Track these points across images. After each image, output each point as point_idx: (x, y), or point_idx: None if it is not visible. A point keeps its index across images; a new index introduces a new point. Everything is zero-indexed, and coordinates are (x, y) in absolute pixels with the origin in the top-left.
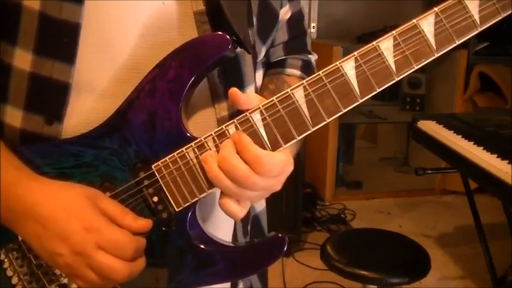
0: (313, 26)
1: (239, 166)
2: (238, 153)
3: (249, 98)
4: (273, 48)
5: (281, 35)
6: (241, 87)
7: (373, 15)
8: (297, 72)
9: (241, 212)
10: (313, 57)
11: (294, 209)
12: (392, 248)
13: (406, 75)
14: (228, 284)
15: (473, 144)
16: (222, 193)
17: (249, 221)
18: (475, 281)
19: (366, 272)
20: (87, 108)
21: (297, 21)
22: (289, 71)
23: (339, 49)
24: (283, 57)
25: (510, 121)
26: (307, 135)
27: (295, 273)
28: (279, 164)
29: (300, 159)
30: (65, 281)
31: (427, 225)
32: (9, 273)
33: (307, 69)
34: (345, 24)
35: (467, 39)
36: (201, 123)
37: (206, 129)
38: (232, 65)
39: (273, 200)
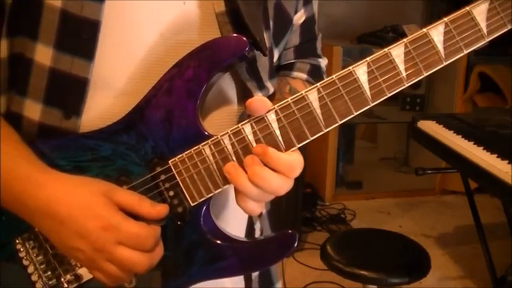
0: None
1: (273, 179)
2: (267, 164)
3: (263, 102)
4: (285, 51)
5: (293, 38)
6: (258, 89)
7: (373, 15)
8: (303, 76)
9: (260, 209)
10: (324, 62)
11: (294, 209)
12: (392, 248)
13: None
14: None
15: (473, 144)
16: (241, 194)
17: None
18: (475, 281)
19: (366, 272)
20: (105, 104)
21: (309, 26)
22: (295, 74)
23: (339, 49)
24: (293, 61)
25: (510, 121)
26: None
27: (295, 273)
28: (302, 163)
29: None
30: (80, 271)
31: (427, 225)
32: (26, 262)
33: (314, 73)
34: (345, 24)
35: None
36: (224, 119)
37: (230, 125)
38: (252, 67)
39: (273, 200)
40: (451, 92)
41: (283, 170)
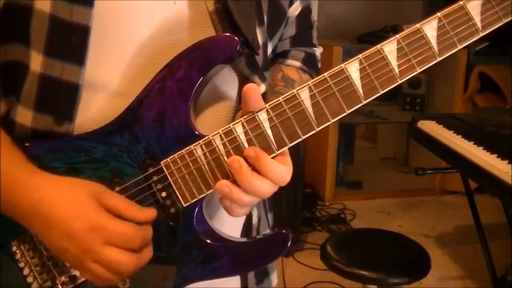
0: (314, 22)
1: (264, 187)
2: (259, 171)
3: (260, 98)
4: (280, 42)
5: (290, 29)
6: (261, 82)
7: (373, 15)
8: (297, 64)
9: (248, 210)
10: (318, 50)
11: (294, 209)
12: (392, 248)
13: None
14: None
15: (473, 144)
16: (231, 204)
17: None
18: (475, 281)
19: (366, 272)
20: (97, 107)
21: (305, 16)
22: (289, 61)
23: (338, 49)
24: (288, 49)
25: (510, 121)
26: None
27: (295, 273)
28: (292, 172)
29: (300, 159)
30: (75, 272)
31: (427, 225)
32: (21, 264)
33: (309, 61)
34: (345, 24)
35: None
36: (225, 115)
37: (230, 121)
38: (251, 61)
39: (273, 200)
40: (451, 92)
41: (274, 179)
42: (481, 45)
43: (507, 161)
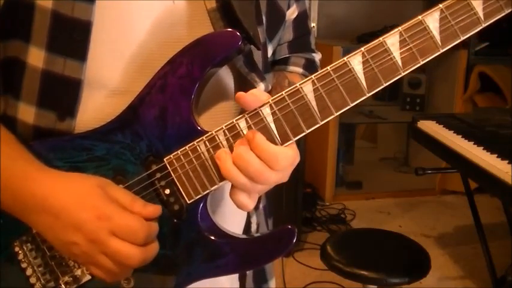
0: (313, 26)
1: (254, 163)
2: (252, 150)
3: (255, 96)
4: (279, 46)
5: (287, 34)
6: (260, 81)
7: (373, 15)
8: (299, 70)
9: (251, 204)
10: (317, 56)
11: (294, 209)
12: (393, 248)
13: (407, 74)
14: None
15: (473, 144)
16: (233, 187)
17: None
18: (475, 281)
19: (365, 272)
20: (99, 104)
21: (302, 21)
22: (291, 68)
23: (339, 49)
24: (287, 56)
25: (510, 121)
26: (307, 135)
27: (295, 273)
28: (291, 159)
29: (300, 159)
30: (78, 272)
31: (427, 225)
32: (24, 265)
33: (309, 67)
34: (345, 24)
35: (468, 39)
36: (223, 114)
37: (226, 121)
38: (249, 60)
39: (273, 200)
40: (451, 92)
41: (266, 159)
42: (481, 45)
43: (507, 161)
